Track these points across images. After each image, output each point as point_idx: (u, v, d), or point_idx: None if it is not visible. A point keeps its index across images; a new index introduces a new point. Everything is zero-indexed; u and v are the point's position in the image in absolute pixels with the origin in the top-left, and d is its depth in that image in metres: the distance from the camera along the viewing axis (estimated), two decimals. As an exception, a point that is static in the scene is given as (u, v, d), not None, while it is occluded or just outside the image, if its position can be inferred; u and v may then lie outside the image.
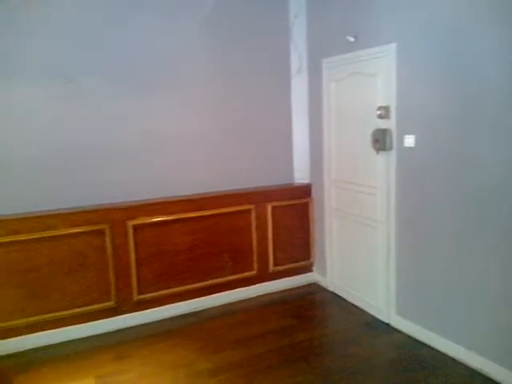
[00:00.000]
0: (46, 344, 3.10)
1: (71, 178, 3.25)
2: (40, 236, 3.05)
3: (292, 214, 3.98)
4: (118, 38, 3.30)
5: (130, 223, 3.33)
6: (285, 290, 3.93)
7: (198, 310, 3.58)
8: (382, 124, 3.13)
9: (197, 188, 3.65)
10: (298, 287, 4.01)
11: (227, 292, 3.71)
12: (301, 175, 4.08)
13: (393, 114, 3.06)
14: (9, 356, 2.99)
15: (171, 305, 3.49)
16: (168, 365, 2.82)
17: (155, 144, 3.50)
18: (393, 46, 3.01)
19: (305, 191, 4.04)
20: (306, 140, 4.05)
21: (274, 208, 3.87)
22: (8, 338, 3.03)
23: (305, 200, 4.03)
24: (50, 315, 3.12)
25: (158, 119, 3.50)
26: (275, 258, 3.92)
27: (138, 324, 3.37)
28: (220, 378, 2.67)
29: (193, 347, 3.03)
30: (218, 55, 3.67)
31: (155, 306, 3.45)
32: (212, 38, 3.64)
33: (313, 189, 4.03)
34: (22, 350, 3.05)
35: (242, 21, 3.74)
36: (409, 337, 3.07)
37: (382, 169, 3.20)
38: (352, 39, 3.35)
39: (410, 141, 2.96)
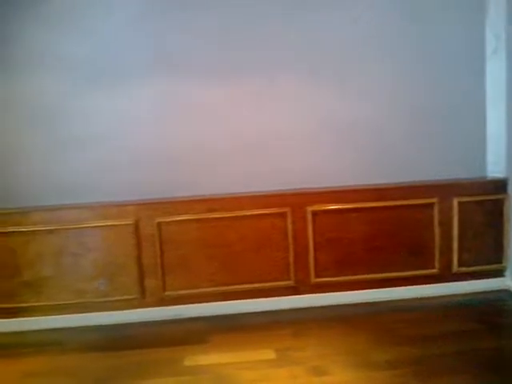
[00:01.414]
0: (231, 312, 3.42)
1: (258, 164, 3.54)
2: (231, 215, 3.39)
3: (482, 211, 3.60)
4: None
5: (309, 209, 3.45)
6: (469, 294, 3.59)
7: (372, 301, 3.52)
8: None
9: (373, 178, 3.59)
10: (486, 292, 3.62)
11: (404, 287, 3.56)
12: (495, 169, 3.67)
13: None
14: (200, 318, 3.39)
15: (346, 292, 3.51)
16: (343, 349, 2.85)
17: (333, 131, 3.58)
18: None
19: (500, 186, 3.62)
20: (502, 130, 3.62)
21: (460, 203, 3.56)
22: (199, 302, 3.43)
23: (499, 196, 3.61)
24: (236, 287, 3.43)
25: (331, 105, 3.56)
26: (460, 258, 3.61)
27: (314, 306, 3.47)
28: (396, 372, 2.59)
29: (367, 337, 3.00)
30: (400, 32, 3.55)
31: (331, 291, 3.50)
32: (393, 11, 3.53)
33: (509, 184, 3.60)
34: (210, 314, 3.41)
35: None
36: None
37: None
38: None
39: None
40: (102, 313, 3.39)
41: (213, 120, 3.51)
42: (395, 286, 3.56)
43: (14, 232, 3.32)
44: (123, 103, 3.44)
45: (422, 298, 3.55)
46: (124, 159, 3.47)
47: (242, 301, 3.44)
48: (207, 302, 3.43)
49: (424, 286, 3.58)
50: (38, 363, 2.91)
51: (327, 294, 3.50)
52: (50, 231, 3.33)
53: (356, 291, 3.52)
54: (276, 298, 3.47)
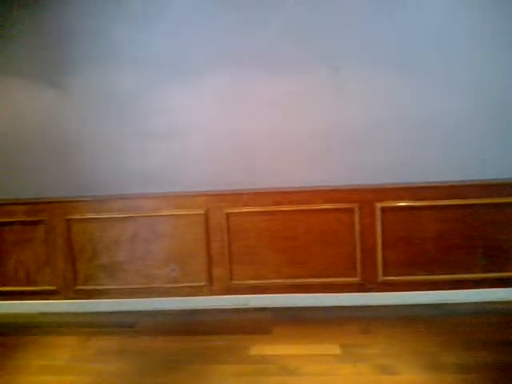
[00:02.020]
0: (296, 305, 3.44)
1: (327, 159, 3.50)
2: (299, 208, 3.39)
3: None
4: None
5: (379, 205, 3.37)
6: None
7: (442, 302, 3.39)
8: None
9: (447, 174, 3.43)
10: None
11: (477, 290, 3.39)
12: None
13: None
14: (265, 309, 3.44)
15: (415, 292, 3.40)
16: (410, 349, 2.77)
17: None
18: None
19: None
20: None
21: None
22: (265, 293, 3.47)
23: None
24: (301, 280, 3.44)
25: (405, 99, 3.43)
26: (540, 262, 3.40)
27: (381, 304, 3.41)
28: (466, 376, 2.48)
29: (436, 339, 2.89)
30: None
31: (399, 290, 3.41)
32: None
33: None
34: (275, 306, 3.45)
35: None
36: None
37: None
38: None
39: None
40: (171, 298, 3.54)
41: (285, 113, 3.50)
42: (467, 288, 3.40)
43: (92, 218, 3.54)
44: (196, 97, 3.53)
45: (495, 302, 3.37)
46: (196, 152, 3.56)
47: (307, 294, 3.45)
48: (273, 293, 3.47)
49: (499, 289, 3.40)
50: (111, 343, 3.09)
51: (394, 293, 3.42)
52: (126, 218, 3.52)
53: (425, 292, 3.41)
54: (341, 294, 3.44)
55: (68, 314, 3.59)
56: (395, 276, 3.41)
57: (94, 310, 3.59)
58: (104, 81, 3.55)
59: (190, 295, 3.52)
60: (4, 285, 3.66)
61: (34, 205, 3.58)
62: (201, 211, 3.47)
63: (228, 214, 3.45)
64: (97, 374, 2.71)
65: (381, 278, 3.41)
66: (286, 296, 3.46)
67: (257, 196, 3.45)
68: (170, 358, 2.84)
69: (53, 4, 3.50)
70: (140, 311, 3.55)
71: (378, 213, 3.38)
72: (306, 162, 3.51)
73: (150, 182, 3.58)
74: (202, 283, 3.51)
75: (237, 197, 3.46)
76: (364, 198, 3.38)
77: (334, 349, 2.83)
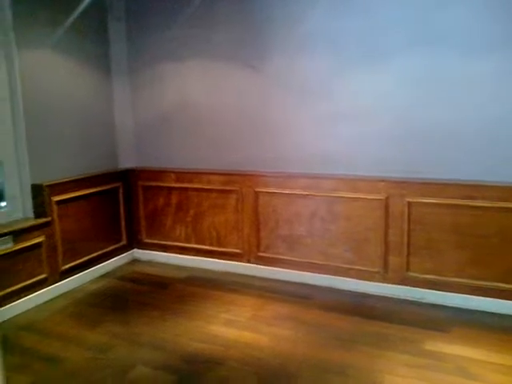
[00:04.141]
0: (476, 308, 3.22)
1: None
2: (492, 205, 3.10)
3: None
4: None
5: None
6: None
7: None
8: None
9: None
10: None
11: None
12: None
13: None
14: (442, 306, 3.30)
15: None
16: None
17: None
18: None
19: None
20: None
21: None
22: (443, 291, 3.32)
23: None
24: (486, 283, 3.19)
25: None
26: None
27: None
28: None
29: None
30: None
31: None
32: None
33: None
34: (453, 305, 3.28)
35: None
36: None
37: None
38: None
39: None
40: (345, 278, 3.64)
41: (476, 98, 3.18)
42: None
43: (277, 193, 3.80)
44: (383, 80, 3.43)
45: None
46: (379, 136, 3.50)
47: (490, 299, 3.19)
48: (452, 291, 3.30)
49: None
50: (287, 310, 3.33)
51: None
52: (306, 196, 3.70)
53: None
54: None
55: (249, 276, 3.98)
56: None
57: (272, 276, 3.90)
58: (295, 64, 3.69)
59: (363, 279, 3.57)
60: (199, 243, 4.22)
61: (229, 176, 4.00)
62: (380, 197, 3.44)
63: (410, 203, 3.35)
64: (272, 337, 2.98)
65: None
66: (467, 297, 3.26)
67: (444, 187, 3.27)
68: (342, 336, 2.95)
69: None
70: (314, 285, 3.74)
71: None
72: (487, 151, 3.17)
73: (330, 163, 3.66)
74: (376, 269, 3.51)
75: (420, 186, 3.32)
76: None
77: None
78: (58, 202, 3.68)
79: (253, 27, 3.78)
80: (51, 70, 3.71)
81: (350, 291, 3.61)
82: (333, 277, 3.68)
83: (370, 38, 3.42)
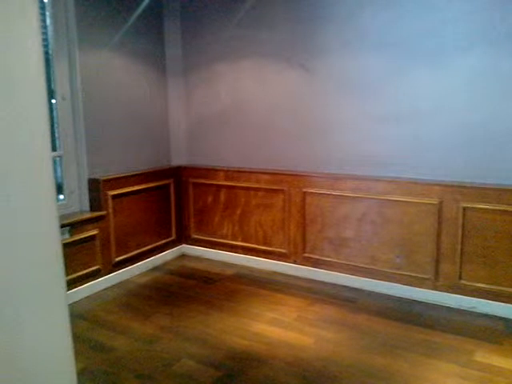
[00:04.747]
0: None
1: None
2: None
3: None
4: None
5: None
6: None
7: None
8: None
9: None
10: None
11: None
12: None
13: None
14: (496, 317, 3.16)
15: None
16: None
17: None
18: None
19: None
20: None
21: None
22: (498, 301, 3.18)
23: None
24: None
25: None
26: None
27: None
28: None
29: None
30: None
31: None
32: None
33: None
34: (508, 317, 3.14)
35: None
36: None
37: None
38: None
39: None
40: (392, 284, 3.55)
41: None
42: None
43: (325, 194, 3.77)
44: (442, 81, 3.32)
45: None
46: (434, 139, 3.39)
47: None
48: (506, 302, 3.15)
49: None
50: (332, 312, 3.30)
51: None
52: (356, 198, 3.64)
53: None
54: None
55: (294, 276, 3.97)
56: None
57: (318, 278, 3.87)
58: (348, 64, 3.64)
59: (412, 285, 3.47)
60: (246, 241, 4.26)
61: (277, 175, 4.01)
62: (434, 201, 3.33)
63: (465, 209, 3.23)
64: (317, 338, 2.96)
65: None
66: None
67: (502, 193, 3.11)
68: (388, 341, 2.89)
69: (313, -9, 3.75)
70: (360, 289, 3.68)
71: None
72: None
73: (381, 165, 3.58)
74: (427, 276, 3.41)
75: (477, 191, 3.19)
76: None
77: None
78: (114, 197, 3.84)
79: (305, 26, 3.76)
80: (109, 69, 3.87)
81: (397, 297, 3.52)
82: (379, 281, 3.61)
83: (429, 36, 3.32)
